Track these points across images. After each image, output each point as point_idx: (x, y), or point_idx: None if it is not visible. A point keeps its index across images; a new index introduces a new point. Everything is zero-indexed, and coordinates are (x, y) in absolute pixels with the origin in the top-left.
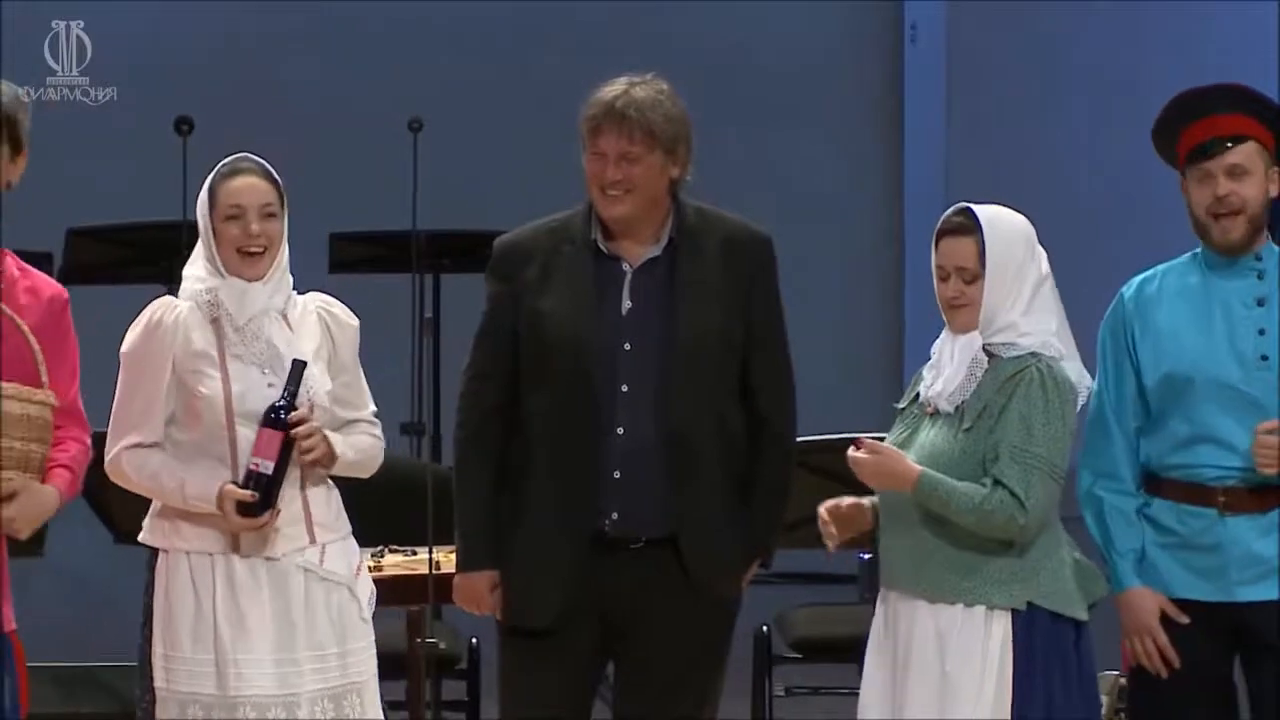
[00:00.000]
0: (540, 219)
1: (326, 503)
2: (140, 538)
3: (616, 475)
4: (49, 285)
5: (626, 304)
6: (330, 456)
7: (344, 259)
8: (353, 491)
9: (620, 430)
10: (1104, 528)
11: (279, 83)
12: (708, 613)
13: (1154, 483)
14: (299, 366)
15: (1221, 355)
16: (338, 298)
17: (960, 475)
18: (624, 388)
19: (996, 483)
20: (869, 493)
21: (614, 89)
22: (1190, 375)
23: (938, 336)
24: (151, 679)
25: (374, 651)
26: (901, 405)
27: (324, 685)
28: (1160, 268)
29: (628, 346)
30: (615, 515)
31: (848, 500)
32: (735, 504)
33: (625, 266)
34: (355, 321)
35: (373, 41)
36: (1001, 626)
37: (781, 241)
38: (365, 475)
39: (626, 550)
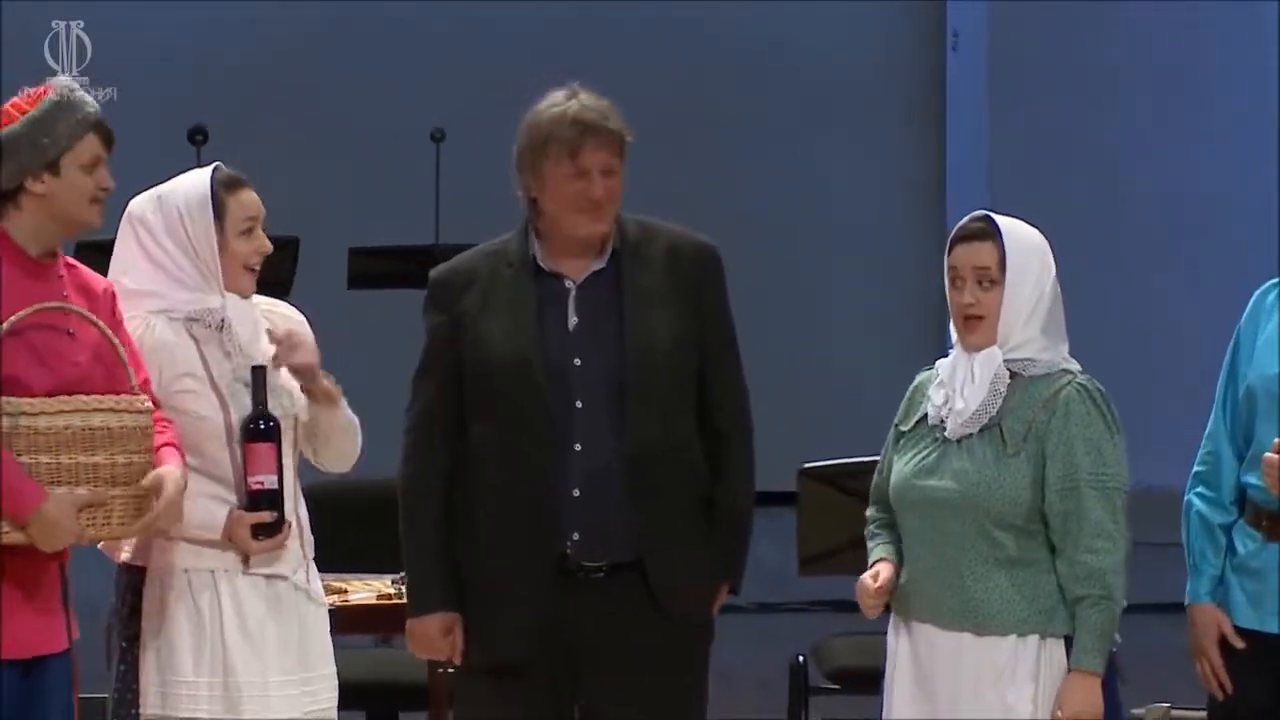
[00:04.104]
0: (478, 244)
1: (305, 518)
2: (124, 558)
3: (576, 494)
4: (97, 280)
5: (573, 319)
6: (312, 369)
7: (363, 274)
8: (376, 515)
9: (578, 446)
10: (1189, 535)
11: (294, 89)
12: (679, 637)
13: (1240, 498)
14: (260, 372)
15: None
16: (357, 314)
17: (1003, 499)
18: (578, 404)
19: (1068, 520)
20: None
21: (571, 104)
22: (1255, 388)
23: None
24: (135, 706)
25: None
26: (906, 427)
27: (316, 708)
28: None
29: (578, 362)
30: (576, 536)
31: (884, 575)
32: (700, 524)
33: (568, 283)
34: (300, 316)
35: (394, 50)
36: (1058, 654)
37: (822, 250)
38: (353, 447)
39: (590, 578)
